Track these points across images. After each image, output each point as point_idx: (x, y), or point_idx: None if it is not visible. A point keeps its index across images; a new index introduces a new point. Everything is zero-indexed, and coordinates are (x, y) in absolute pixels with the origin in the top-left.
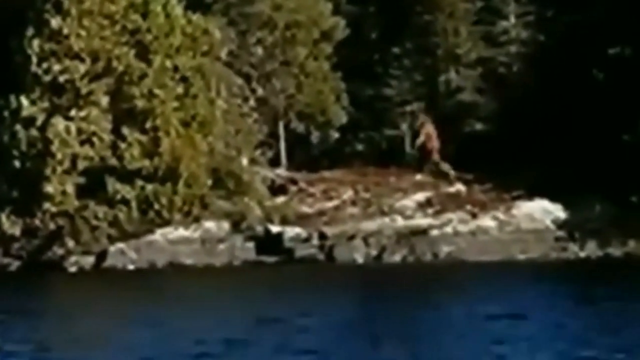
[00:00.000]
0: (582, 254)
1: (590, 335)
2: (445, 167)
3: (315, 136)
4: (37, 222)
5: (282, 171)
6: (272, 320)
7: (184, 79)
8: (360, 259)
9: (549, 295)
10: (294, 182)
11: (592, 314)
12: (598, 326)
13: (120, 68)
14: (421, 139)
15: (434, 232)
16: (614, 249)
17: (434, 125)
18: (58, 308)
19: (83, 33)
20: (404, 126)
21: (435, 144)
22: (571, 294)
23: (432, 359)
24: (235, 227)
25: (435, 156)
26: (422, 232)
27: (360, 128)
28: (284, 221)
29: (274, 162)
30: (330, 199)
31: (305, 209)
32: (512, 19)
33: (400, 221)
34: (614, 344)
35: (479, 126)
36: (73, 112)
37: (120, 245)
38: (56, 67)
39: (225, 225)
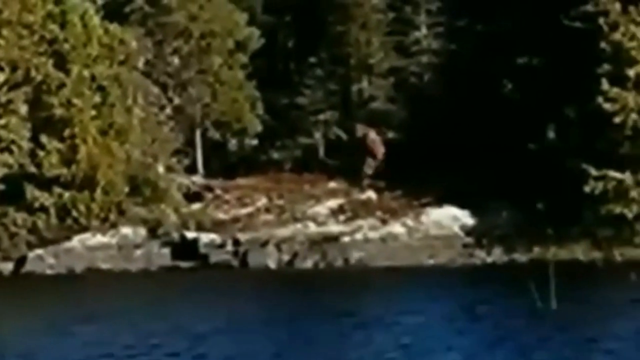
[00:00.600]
0: (489, 260)
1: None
2: (365, 174)
3: (232, 144)
4: None
5: (198, 178)
6: (178, 326)
7: (101, 88)
8: (272, 265)
9: (444, 299)
10: (209, 189)
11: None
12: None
13: (39, 77)
14: (370, 147)
15: (345, 239)
16: (519, 255)
17: (376, 132)
18: None
19: (2, 42)
20: (318, 134)
21: (381, 150)
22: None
23: None
24: (152, 233)
25: (371, 164)
26: (334, 238)
27: (276, 136)
28: (200, 227)
29: (191, 170)
30: (245, 205)
31: (221, 216)
32: (424, 30)
33: (312, 227)
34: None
35: (390, 135)
36: None
37: (39, 251)
38: None
39: (142, 231)
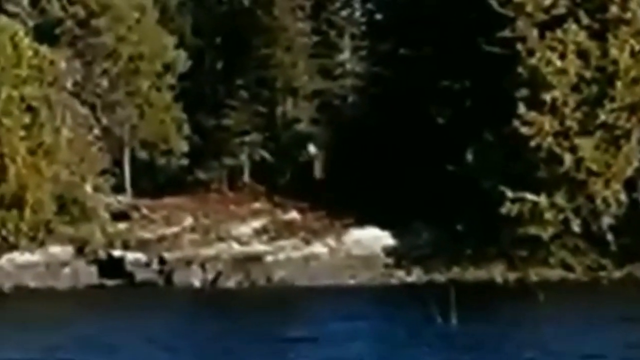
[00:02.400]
0: (409, 279)
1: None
2: None
3: (159, 164)
4: None
5: (125, 198)
6: (94, 341)
7: (30, 109)
8: (197, 283)
9: (352, 319)
10: (136, 208)
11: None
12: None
13: None
14: None
15: (268, 258)
16: (439, 275)
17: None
18: None
19: None
20: (243, 156)
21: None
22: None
23: None
24: (79, 251)
25: None
26: (257, 258)
27: (203, 157)
28: (126, 246)
29: (119, 189)
30: (171, 225)
31: (147, 235)
32: (347, 53)
33: (236, 247)
34: None
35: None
36: None
37: None
38: None
39: (70, 249)
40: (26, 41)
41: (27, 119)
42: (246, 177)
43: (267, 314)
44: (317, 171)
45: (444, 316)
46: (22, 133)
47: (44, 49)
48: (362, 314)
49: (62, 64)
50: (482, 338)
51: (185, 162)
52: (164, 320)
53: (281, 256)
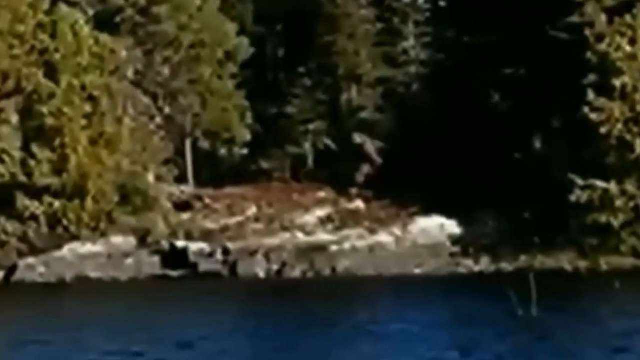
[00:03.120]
0: (476, 269)
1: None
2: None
3: (221, 153)
4: None
5: (187, 188)
6: (163, 334)
7: (91, 98)
8: (262, 274)
9: (428, 308)
10: (199, 198)
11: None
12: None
13: (30, 87)
14: (368, 154)
15: (333, 248)
16: (506, 264)
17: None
18: None
19: None
20: (307, 144)
21: (377, 159)
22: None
23: None
24: (142, 242)
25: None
26: (322, 247)
27: (265, 145)
28: (189, 236)
29: (181, 179)
30: (234, 215)
31: (210, 225)
32: (412, 40)
33: (301, 237)
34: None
35: (378, 144)
36: None
37: (30, 259)
38: None
39: (132, 240)
40: (87, 30)
41: (88, 108)
42: (310, 166)
43: (335, 304)
44: (374, 156)
45: (523, 306)
46: (83, 122)
47: (104, 37)
48: (434, 304)
49: (123, 53)
50: (566, 328)
51: (247, 151)
52: (231, 311)
53: (346, 246)
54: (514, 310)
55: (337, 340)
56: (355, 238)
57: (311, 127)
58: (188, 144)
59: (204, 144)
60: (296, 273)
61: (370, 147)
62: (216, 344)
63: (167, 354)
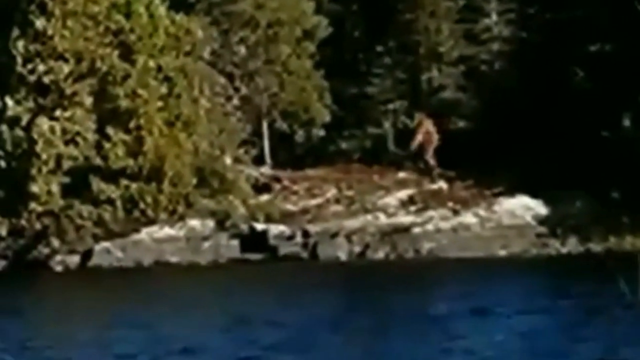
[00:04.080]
0: (563, 250)
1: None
2: (433, 165)
3: (299, 135)
4: (23, 221)
5: (266, 169)
6: (251, 319)
7: (167, 79)
8: (343, 257)
9: (523, 290)
10: (277, 180)
11: (567, 309)
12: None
13: (104, 68)
14: (419, 137)
15: (416, 230)
16: (594, 245)
17: (432, 122)
18: (44, 307)
19: (67, 34)
20: (387, 124)
21: (434, 141)
22: (545, 289)
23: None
24: (220, 225)
25: (430, 154)
26: (405, 229)
27: (344, 126)
28: (268, 219)
29: (258, 161)
30: (314, 196)
31: (289, 207)
32: (494, 17)
33: (383, 219)
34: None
35: (461, 124)
36: (58, 112)
37: (106, 244)
38: (41, 68)
39: (210, 223)
40: (162, 9)
41: (163, 90)
42: (390, 146)
43: (424, 287)
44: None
45: (631, 288)
46: (159, 104)
47: (180, 17)
48: (528, 286)
49: (199, 33)
50: None
51: (325, 131)
52: (315, 294)
53: (429, 227)
54: (621, 294)
55: (429, 325)
56: (439, 219)
57: (391, 106)
58: (265, 125)
59: (281, 125)
60: (379, 255)
61: (429, 127)
62: (304, 326)
63: (258, 334)
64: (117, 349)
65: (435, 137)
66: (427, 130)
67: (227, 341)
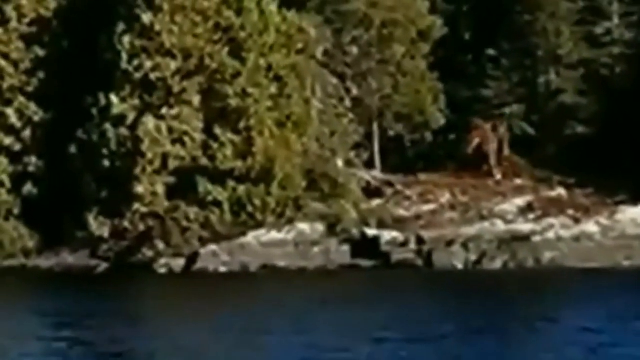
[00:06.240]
0: None
1: None
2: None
3: (410, 137)
4: (126, 223)
5: (377, 173)
6: (361, 329)
7: (278, 78)
8: (459, 265)
9: None
10: (389, 184)
11: None
12: None
13: (213, 66)
14: (475, 141)
15: (536, 238)
16: None
17: (492, 128)
18: (150, 312)
19: (175, 29)
20: (503, 129)
21: (491, 147)
22: None
23: None
24: (330, 229)
25: (492, 160)
26: (524, 237)
27: (457, 130)
28: (380, 224)
29: (368, 164)
30: (427, 202)
31: (402, 213)
32: (616, 20)
33: (500, 226)
34: None
35: (580, 129)
36: (164, 111)
37: (212, 247)
38: (147, 64)
39: (320, 227)
40: (273, 6)
41: (274, 89)
42: (506, 152)
43: (549, 299)
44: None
45: None
46: (269, 104)
47: (291, 14)
48: None
49: (312, 31)
50: None
51: (436, 135)
52: (436, 304)
53: (550, 235)
54: None
55: (553, 340)
56: (559, 227)
57: (508, 110)
58: (375, 127)
59: (393, 128)
60: (497, 264)
61: (486, 133)
62: (425, 344)
63: (365, 351)
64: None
65: (494, 141)
66: (483, 135)
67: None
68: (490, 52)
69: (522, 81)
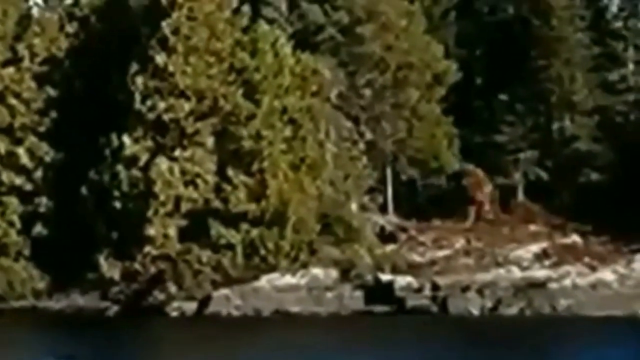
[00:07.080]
0: None
1: None
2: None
3: (420, 183)
4: (137, 265)
5: (391, 218)
6: None
7: (292, 121)
8: (475, 311)
9: None
10: (403, 229)
11: None
12: None
13: (227, 107)
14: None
15: (552, 285)
16: None
17: (486, 176)
18: (162, 356)
19: (189, 70)
20: (517, 175)
21: (485, 195)
22: None
23: None
24: (344, 275)
25: (487, 207)
26: (540, 284)
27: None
28: (394, 270)
29: (381, 209)
30: (442, 247)
31: (416, 258)
32: (631, 66)
33: (516, 272)
34: None
35: (595, 176)
36: (177, 152)
37: (225, 291)
38: (160, 105)
39: (334, 272)
40: (287, 48)
41: (288, 132)
42: (520, 197)
43: (560, 347)
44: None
45: None
46: (283, 146)
47: (305, 56)
48: None
49: (326, 73)
50: None
51: (448, 180)
52: (452, 351)
53: (566, 283)
54: None
55: None
56: (575, 275)
57: (522, 156)
58: (389, 171)
59: (406, 172)
60: (512, 311)
61: (479, 178)
62: None
63: None
64: None
65: (486, 192)
66: (478, 180)
67: None
68: (504, 97)
69: (536, 127)
